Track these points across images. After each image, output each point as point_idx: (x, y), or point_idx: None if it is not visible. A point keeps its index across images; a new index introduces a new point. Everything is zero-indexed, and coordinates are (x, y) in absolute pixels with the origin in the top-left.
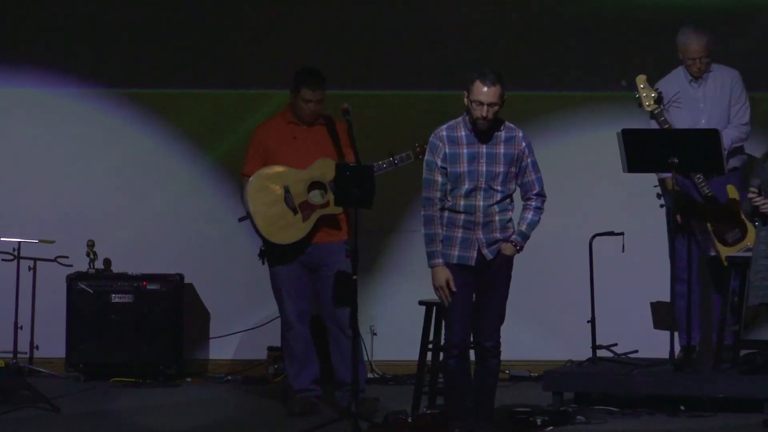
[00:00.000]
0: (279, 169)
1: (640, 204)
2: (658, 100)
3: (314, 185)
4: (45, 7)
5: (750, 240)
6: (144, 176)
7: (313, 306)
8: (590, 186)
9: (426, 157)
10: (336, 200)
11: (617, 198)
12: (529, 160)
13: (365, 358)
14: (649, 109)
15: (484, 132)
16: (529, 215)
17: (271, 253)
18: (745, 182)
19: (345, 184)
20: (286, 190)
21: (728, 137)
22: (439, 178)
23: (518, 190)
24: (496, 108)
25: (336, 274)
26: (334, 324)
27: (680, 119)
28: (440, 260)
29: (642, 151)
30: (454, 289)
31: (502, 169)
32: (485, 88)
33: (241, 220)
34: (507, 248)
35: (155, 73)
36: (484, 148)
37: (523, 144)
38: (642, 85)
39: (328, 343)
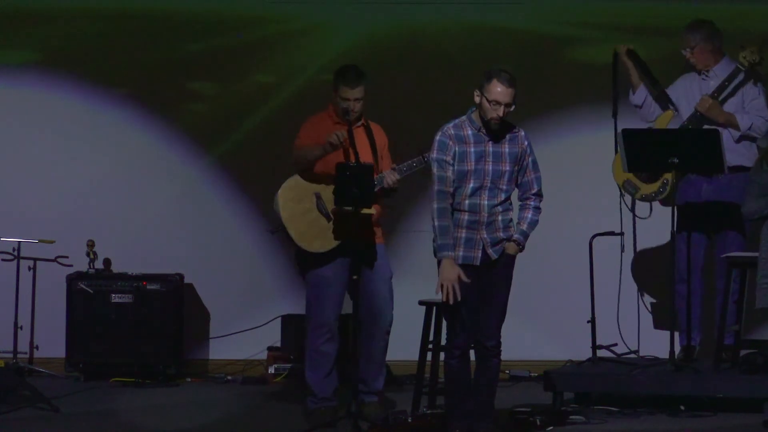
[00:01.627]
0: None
1: (640, 204)
2: (754, 64)
3: None
4: (45, 6)
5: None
6: (144, 176)
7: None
8: (590, 186)
9: (436, 156)
10: (336, 200)
11: (617, 198)
12: (530, 158)
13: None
14: (743, 60)
15: (490, 131)
16: (529, 215)
17: (314, 255)
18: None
19: (345, 184)
20: (318, 197)
21: (748, 120)
22: (452, 174)
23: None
24: (511, 108)
25: (380, 277)
26: (371, 324)
27: (686, 111)
28: (452, 253)
29: (642, 151)
30: (467, 280)
31: (507, 168)
32: (502, 88)
33: (274, 232)
34: (511, 248)
35: (155, 72)
36: (490, 147)
37: (525, 142)
38: (760, 46)
39: (359, 343)
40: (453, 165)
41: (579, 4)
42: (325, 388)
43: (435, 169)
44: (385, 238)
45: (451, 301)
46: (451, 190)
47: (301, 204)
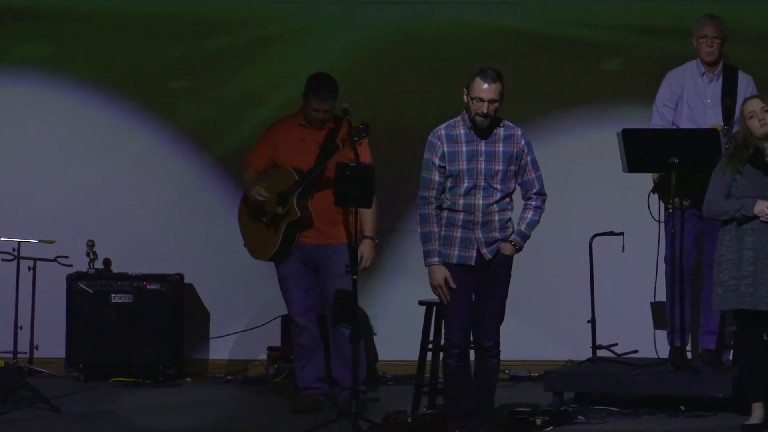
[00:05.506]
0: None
1: (640, 204)
2: None
3: (280, 197)
4: (45, 6)
5: None
6: (144, 176)
7: (319, 305)
8: (590, 186)
9: (424, 156)
10: (336, 200)
11: (617, 198)
12: (528, 158)
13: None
14: None
15: (483, 130)
16: (529, 215)
17: (276, 256)
18: None
19: (345, 184)
20: (260, 208)
21: None
22: (437, 177)
23: (518, 189)
24: (496, 105)
25: (334, 274)
26: (332, 323)
27: (685, 114)
28: (437, 259)
29: (642, 151)
30: (453, 285)
31: (501, 167)
32: (485, 85)
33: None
34: (506, 248)
35: (155, 72)
36: (483, 146)
37: (522, 142)
38: None
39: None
40: (442, 166)
41: (579, 4)
42: (303, 377)
43: (422, 171)
44: (379, 237)
45: (445, 303)
46: (434, 193)
47: (249, 218)
